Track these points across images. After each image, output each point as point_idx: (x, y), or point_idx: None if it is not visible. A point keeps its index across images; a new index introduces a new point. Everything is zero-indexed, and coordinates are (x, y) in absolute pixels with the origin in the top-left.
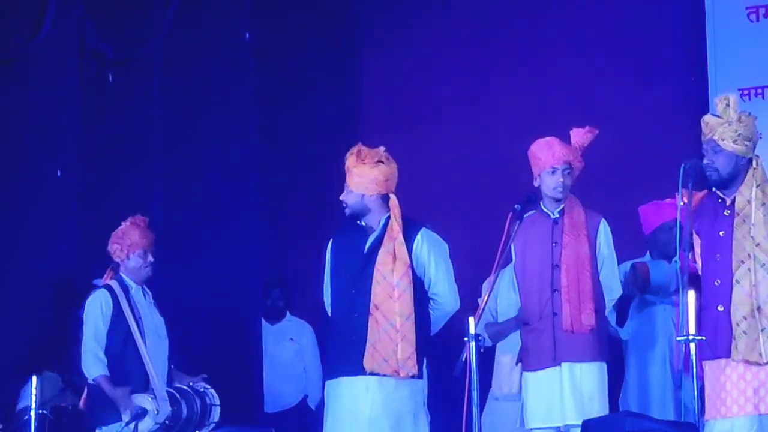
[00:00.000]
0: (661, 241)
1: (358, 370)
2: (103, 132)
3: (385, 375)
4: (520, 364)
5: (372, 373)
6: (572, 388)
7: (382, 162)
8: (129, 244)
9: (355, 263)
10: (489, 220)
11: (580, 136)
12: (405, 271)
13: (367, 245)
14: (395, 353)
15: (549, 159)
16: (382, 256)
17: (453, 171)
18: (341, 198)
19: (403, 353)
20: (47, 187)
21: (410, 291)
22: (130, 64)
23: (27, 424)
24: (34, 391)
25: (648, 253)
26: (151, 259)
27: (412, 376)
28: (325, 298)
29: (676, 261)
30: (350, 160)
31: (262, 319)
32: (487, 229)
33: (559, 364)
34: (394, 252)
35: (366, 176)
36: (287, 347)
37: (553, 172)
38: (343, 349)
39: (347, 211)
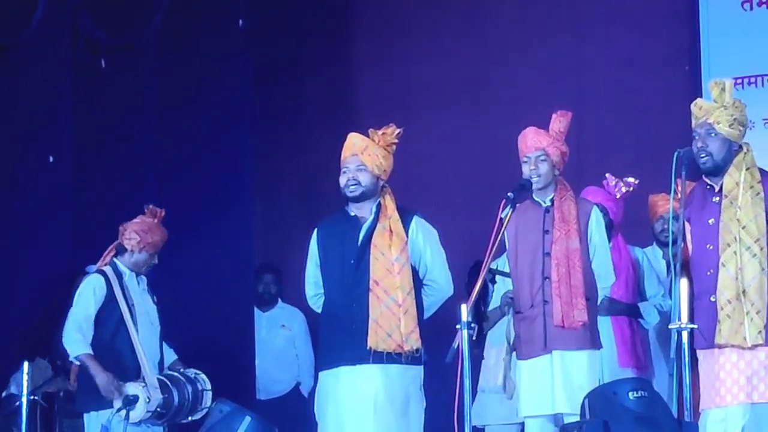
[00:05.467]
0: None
1: (360, 358)
2: (96, 118)
3: (389, 357)
4: (507, 357)
5: (375, 353)
6: (563, 376)
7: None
8: (149, 242)
9: (350, 255)
10: (483, 208)
11: (553, 121)
12: (403, 248)
13: (361, 236)
14: (398, 327)
15: (522, 148)
16: (378, 233)
17: (447, 157)
18: (352, 176)
19: (406, 327)
20: (40, 173)
21: (409, 267)
22: (123, 50)
23: (18, 410)
24: (25, 378)
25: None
26: (156, 261)
27: (416, 351)
28: (307, 290)
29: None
30: (379, 139)
31: (254, 306)
32: (481, 217)
33: (550, 352)
34: (390, 229)
35: (388, 160)
36: (279, 334)
37: (526, 161)
38: (342, 339)
39: (357, 190)
